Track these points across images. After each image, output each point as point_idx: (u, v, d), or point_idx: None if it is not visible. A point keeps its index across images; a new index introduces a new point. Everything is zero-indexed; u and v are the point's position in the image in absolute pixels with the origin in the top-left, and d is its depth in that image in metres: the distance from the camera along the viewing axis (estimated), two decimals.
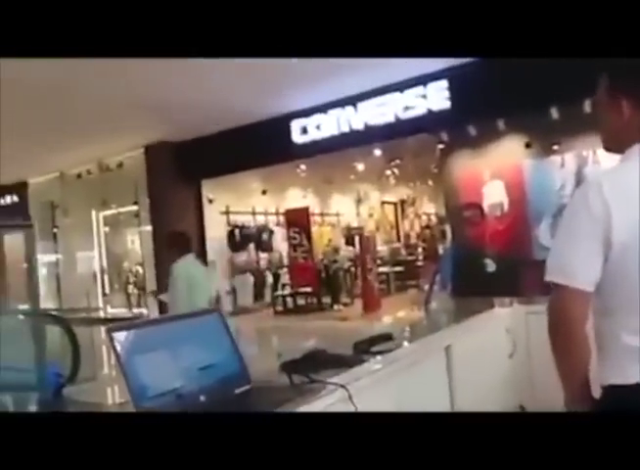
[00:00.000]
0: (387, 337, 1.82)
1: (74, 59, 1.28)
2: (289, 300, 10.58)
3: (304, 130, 8.50)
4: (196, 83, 6.83)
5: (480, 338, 2.46)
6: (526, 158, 7.04)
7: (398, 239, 15.15)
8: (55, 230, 12.81)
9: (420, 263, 12.79)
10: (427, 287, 3.30)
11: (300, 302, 10.53)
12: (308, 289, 10.22)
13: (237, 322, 10.14)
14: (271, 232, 11.49)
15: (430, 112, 7.17)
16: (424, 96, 7.16)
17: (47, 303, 12.88)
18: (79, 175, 11.52)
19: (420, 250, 14.03)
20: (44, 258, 13.07)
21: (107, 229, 12.16)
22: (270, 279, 11.30)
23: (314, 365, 1.55)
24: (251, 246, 11.18)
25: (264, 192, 11.41)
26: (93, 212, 11.97)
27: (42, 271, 13.24)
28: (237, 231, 10.97)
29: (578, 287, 1.12)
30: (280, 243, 11.45)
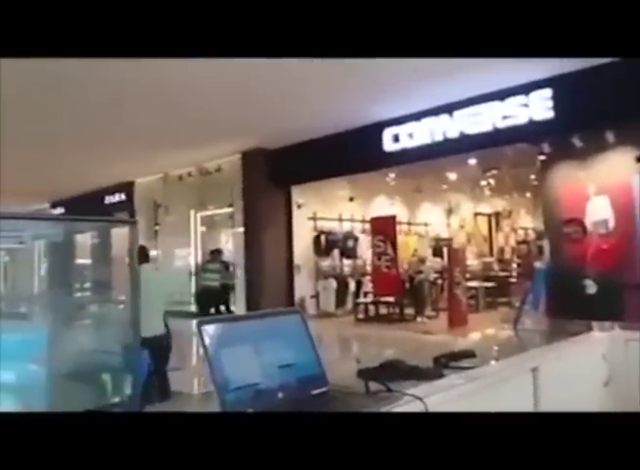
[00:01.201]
0: (469, 354, 1.73)
1: (179, 62, 1.32)
2: (371, 308, 10.52)
3: (396, 138, 8.43)
4: (291, 92, 7.00)
5: (572, 362, 2.27)
6: (637, 173, 6.49)
7: (491, 253, 14.55)
8: (156, 227, 13.66)
9: (513, 280, 12.18)
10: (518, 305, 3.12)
11: (383, 311, 10.41)
12: (390, 298, 10.09)
13: (319, 326, 10.28)
14: (356, 239, 11.50)
15: (531, 121, 6.83)
16: (525, 105, 6.83)
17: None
18: (181, 177, 12.22)
19: (514, 266, 13.39)
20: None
21: (203, 229, 12.78)
22: (353, 286, 11.31)
23: (392, 375, 1.51)
24: (336, 252, 11.26)
25: (352, 199, 11.45)
26: (192, 212, 12.63)
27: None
28: (323, 237, 11.10)
29: None
30: (365, 250, 11.43)
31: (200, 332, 1.17)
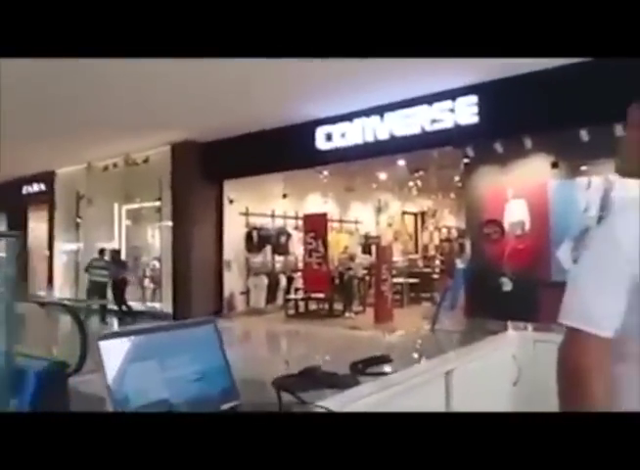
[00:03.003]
0: (385, 359, 1.80)
1: (106, 58, 1.28)
2: (301, 304, 10.60)
3: (329, 137, 8.53)
4: (224, 85, 6.90)
5: (485, 363, 2.38)
6: (552, 178, 6.97)
7: (416, 250, 15.08)
8: (78, 220, 13.03)
9: (436, 276, 12.69)
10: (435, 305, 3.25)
11: (313, 307, 10.53)
12: (321, 295, 10.22)
13: (248, 322, 10.21)
14: (288, 235, 11.53)
15: (457, 125, 7.14)
16: (452, 110, 7.13)
17: (64, 291, 13.12)
18: (106, 168, 11.72)
19: (437, 262, 13.94)
20: (65, 247, 13.32)
21: (128, 222, 12.33)
22: (284, 282, 11.34)
23: (307, 384, 1.47)
24: (268, 248, 11.23)
25: (285, 196, 11.46)
26: (116, 205, 12.15)
27: (62, 259, 13.48)
28: (255, 233, 11.03)
29: (600, 334, 0.98)
30: (296, 247, 11.49)
31: (98, 348, 1.10)
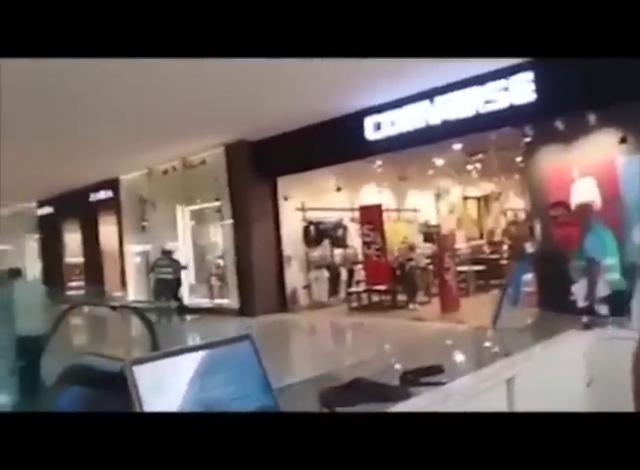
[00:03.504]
0: (437, 369, 1.67)
1: (160, 59, 1.28)
2: (364, 296, 10.50)
3: (378, 127, 8.34)
4: (270, 83, 6.88)
5: (551, 364, 2.19)
6: (621, 153, 6.45)
7: (481, 236, 14.54)
8: (144, 223, 13.55)
9: (504, 262, 12.18)
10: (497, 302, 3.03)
11: (375, 298, 10.40)
12: (382, 286, 10.07)
13: (312, 316, 10.27)
14: (345, 228, 11.44)
15: (512, 105, 6.76)
16: (506, 89, 6.75)
17: (138, 292, 13.71)
18: (165, 171, 12.09)
19: (505, 247, 13.39)
20: (135, 250, 13.91)
21: (193, 223, 12.68)
22: (345, 275, 11.28)
23: (356, 397, 1.42)
24: (326, 242, 11.20)
25: (339, 189, 11.37)
26: (179, 207, 12.52)
27: (133, 261, 14.07)
28: (312, 227, 11.03)
29: None
30: (355, 239, 11.38)
31: (131, 374, 1.08)
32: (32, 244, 19.00)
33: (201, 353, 1.22)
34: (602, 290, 4.61)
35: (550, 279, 6.84)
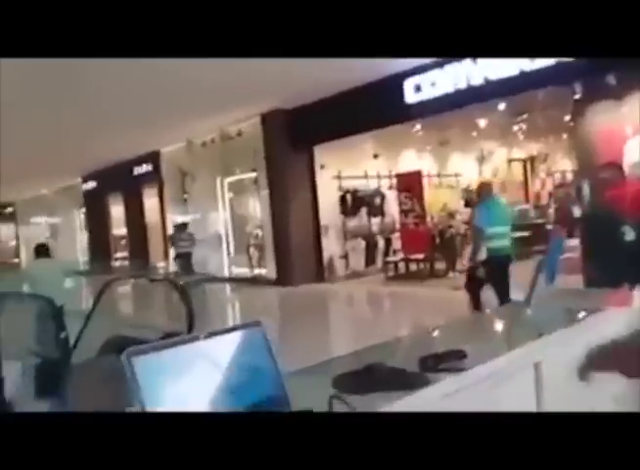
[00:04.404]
0: (459, 354, 1.56)
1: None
2: (401, 265, 10.34)
3: (418, 89, 8.02)
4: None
5: (582, 347, 2.03)
6: None
7: (527, 200, 14.02)
8: (185, 196, 13.72)
9: (550, 227, 11.73)
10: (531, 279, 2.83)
11: (413, 267, 10.23)
12: (420, 255, 9.88)
13: (349, 286, 10.23)
14: (383, 196, 11.20)
15: (559, 61, 6.32)
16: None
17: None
18: (204, 144, 12.11)
19: (551, 211, 12.88)
20: (177, 221, 14.12)
21: (231, 194, 12.74)
22: (382, 244, 11.12)
23: (371, 383, 1.35)
24: (363, 210, 11.01)
25: (376, 156, 11.10)
26: (218, 179, 12.58)
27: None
28: (349, 196, 10.86)
29: None
30: (392, 207, 11.15)
31: (129, 366, 1.00)
32: (80, 217, 19.64)
33: (207, 342, 1.14)
34: (482, 254, 5.58)
35: (598, 246, 6.52)
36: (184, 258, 12.12)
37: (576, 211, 9.46)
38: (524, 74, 6.75)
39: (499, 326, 2.45)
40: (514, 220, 6.53)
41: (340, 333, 7.06)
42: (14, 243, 25.76)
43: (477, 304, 5.75)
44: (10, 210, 24.61)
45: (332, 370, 1.47)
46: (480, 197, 5.94)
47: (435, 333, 2.26)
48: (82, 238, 19.76)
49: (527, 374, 1.71)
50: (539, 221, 12.19)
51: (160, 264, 14.70)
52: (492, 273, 5.44)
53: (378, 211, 11.06)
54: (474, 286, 5.72)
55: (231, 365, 1.15)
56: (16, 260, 25.18)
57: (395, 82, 8.23)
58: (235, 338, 1.21)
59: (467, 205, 11.64)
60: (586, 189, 7.44)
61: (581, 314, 2.18)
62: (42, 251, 6.03)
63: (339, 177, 10.85)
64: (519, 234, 11.18)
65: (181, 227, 12.46)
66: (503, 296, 5.30)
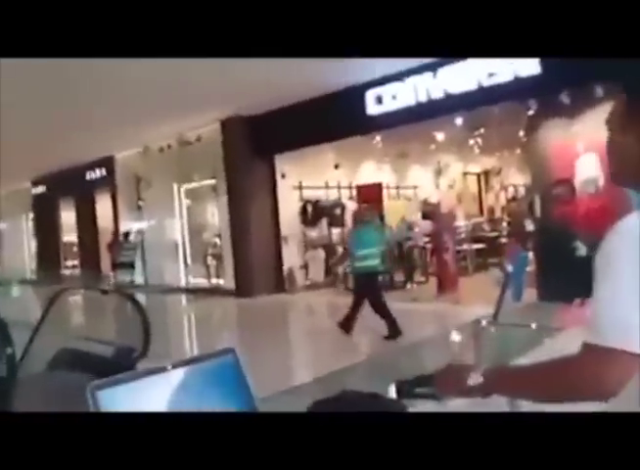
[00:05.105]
0: (433, 379, 1.51)
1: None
2: None
3: (379, 100, 8.09)
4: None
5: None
6: None
7: (481, 213, 14.37)
8: (140, 203, 13.35)
9: (504, 240, 12.04)
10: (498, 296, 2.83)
11: None
12: None
13: (308, 296, 10.15)
14: (343, 207, 11.23)
15: (517, 78, 6.51)
16: (510, 61, 6.50)
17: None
18: (161, 149, 11.83)
19: (504, 225, 13.23)
20: (130, 229, 13.73)
21: (189, 202, 12.49)
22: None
23: (347, 409, 1.29)
24: (324, 221, 11.00)
25: (337, 166, 11.13)
26: (175, 185, 12.31)
27: (135, 238, 13.89)
28: (309, 206, 10.83)
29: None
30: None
31: (94, 400, 0.92)
32: (29, 223, 18.85)
33: (177, 372, 1.06)
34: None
35: (551, 261, 6.71)
36: (125, 268, 12.67)
37: (529, 225, 9.73)
38: (482, 89, 6.91)
39: (469, 347, 2.41)
40: (385, 242, 7.33)
41: (303, 348, 6.96)
42: None
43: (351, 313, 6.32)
44: None
45: (305, 395, 1.41)
46: (354, 221, 6.80)
47: (404, 353, 2.22)
48: (30, 245, 18.96)
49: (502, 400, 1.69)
50: (493, 234, 12.50)
51: (112, 274, 14.24)
52: (364, 287, 6.32)
53: (338, 221, 11.06)
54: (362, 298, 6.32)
55: (202, 397, 1.07)
56: None
57: (357, 93, 8.29)
58: (206, 367, 1.13)
59: (424, 217, 11.82)
60: (538, 203, 7.68)
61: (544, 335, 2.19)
62: None
63: (299, 187, 10.81)
64: (475, 246, 11.49)
65: (126, 236, 12.94)
66: (376, 306, 6.15)
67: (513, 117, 8.51)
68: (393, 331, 5.98)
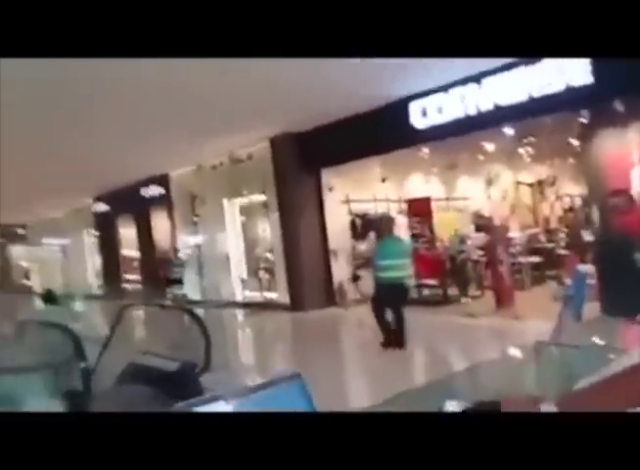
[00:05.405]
0: (495, 406, 1.48)
1: (205, 59, 1.42)
2: (413, 290, 10.25)
3: (424, 113, 8.08)
4: (313, 73, 6.73)
5: None
6: None
7: (537, 224, 13.96)
8: (195, 219, 13.79)
9: (562, 251, 11.64)
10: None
11: (425, 292, 10.16)
12: (432, 281, 9.83)
13: (361, 311, 10.11)
14: (392, 220, 11.18)
15: (569, 87, 6.38)
16: (561, 70, 6.38)
17: (191, 287, 14.00)
18: (214, 167, 12.21)
19: (562, 235, 12.80)
20: (187, 246, 14.18)
21: (242, 217, 12.80)
22: None
23: None
24: (372, 234, 10.99)
25: (384, 180, 11.13)
26: (226, 201, 12.65)
27: (184, 256, 14.36)
28: (358, 220, 10.87)
29: None
30: (402, 231, 11.09)
31: None
32: (90, 239, 19.78)
33: (248, 399, 1.09)
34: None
35: (613, 274, 6.46)
36: (175, 284, 13.54)
37: (587, 236, 9.40)
38: (533, 100, 6.79)
39: (530, 370, 2.35)
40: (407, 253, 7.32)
41: (360, 364, 6.95)
42: (25, 264, 25.92)
43: (383, 325, 6.64)
44: (22, 231, 24.82)
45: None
46: (379, 234, 7.26)
47: (466, 374, 2.18)
48: (93, 260, 19.86)
49: None
50: (550, 246, 12.11)
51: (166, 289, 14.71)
52: (389, 298, 6.55)
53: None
54: (376, 308, 6.67)
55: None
56: (25, 282, 25.34)
57: (402, 106, 8.31)
58: (274, 393, 1.14)
59: (478, 229, 11.60)
60: (596, 214, 7.43)
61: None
62: (49, 297, 5.99)
63: (347, 201, 10.88)
64: (531, 259, 11.13)
65: (174, 252, 13.86)
66: (398, 318, 6.49)
67: (565, 126, 8.31)
68: (388, 341, 6.44)
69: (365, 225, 10.84)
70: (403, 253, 6.80)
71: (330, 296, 10.48)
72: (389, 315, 6.60)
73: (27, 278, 25.15)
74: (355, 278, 10.60)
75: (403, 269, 6.57)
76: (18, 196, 13.91)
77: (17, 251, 26.74)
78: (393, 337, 6.52)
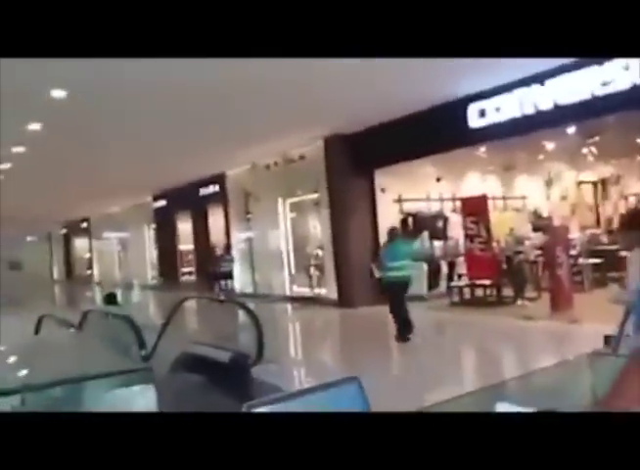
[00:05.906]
0: None
1: (262, 60, 1.40)
2: (466, 290, 10.11)
3: (482, 114, 7.92)
4: (367, 73, 6.69)
5: None
6: None
7: (598, 224, 13.40)
8: (249, 216, 14.09)
9: (624, 253, 11.11)
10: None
11: (479, 293, 9.97)
12: (486, 281, 9.63)
13: (413, 310, 10.01)
14: (446, 219, 11.03)
15: (634, 86, 6.10)
16: (626, 68, 6.11)
17: (243, 280, 14.34)
18: (268, 166, 12.44)
19: None
20: (240, 241, 14.53)
21: (293, 215, 12.97)
22: (445, 268, 10.95)
23: None
24: (425, 234, 10.89)
25: (439, 179, 10.97)
26: (280, 200, 12.85)
27: (239, 253, 14.72)
28: (410, 219, 10.77)
29: None
30: (456, 230, 10.96)
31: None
32: (150, 233, 20.58)
33: (310, 396, 1.10)
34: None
35: None
36: (224, 277, 14.31)
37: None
38: (596, 99, 6.54)
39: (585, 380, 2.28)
40: (414, 255, 8.06)
41: (413, 364, 6.89)
42: (88, 256, 27.20)
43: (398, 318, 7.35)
44: (84, 225, 26.04)
45: None
46: (389, 237, 7.64)
47: (516, 382, 2.15)
48: (152, 253, 20.64)
49: None
50: (612, 247, 11.60)
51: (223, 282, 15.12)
52: (393, 295, 7.37)
53: (441, 233, 10.89)
54: (391, 305, 7.44)
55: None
56: (89, 272, 26.61)
57: (459, 107, 8.18)
58: (331, 396, 1.15)
59: (535, 229, 11.26)
60: None
61: None
62: (111, 300, 6.30)
63: (399, 200, 10.82)
64: (591, 261, 10.70)
65: (226, 248, 14.52)
66: (400, 313, 7.28)
67: (630, 124, 7.96)
68: (401, 335, 7.17)
69: (417, 224, 10.74)
70: (408, 254, 7.49)
71: (379, 294, 10.46)
72: (399, 309, 7.29)
73: (90, 268, 26.44)
74: None
75: (408, 269, 7.32)
76: (82, 192, 14.66)
77: (80, 243, 28.12)
78: (407, 328, 7.18)
